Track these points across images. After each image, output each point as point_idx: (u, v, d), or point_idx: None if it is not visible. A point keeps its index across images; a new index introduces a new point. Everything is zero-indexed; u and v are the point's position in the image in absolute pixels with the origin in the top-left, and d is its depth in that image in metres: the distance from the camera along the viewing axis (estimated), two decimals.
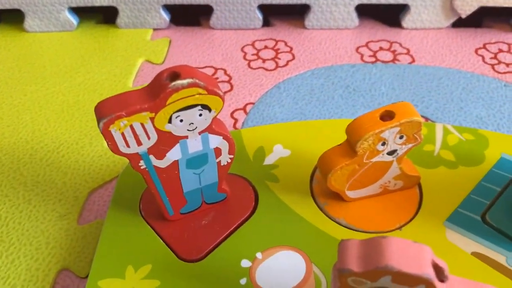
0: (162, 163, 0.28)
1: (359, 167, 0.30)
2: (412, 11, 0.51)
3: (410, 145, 0.30)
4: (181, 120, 0.26)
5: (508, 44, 0.49)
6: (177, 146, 0.27)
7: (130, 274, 0.29)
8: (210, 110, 0.26)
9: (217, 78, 0.47)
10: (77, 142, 0.41)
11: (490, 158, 0.35)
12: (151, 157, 0.27)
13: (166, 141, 0.27)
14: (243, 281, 0.29)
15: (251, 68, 0.48)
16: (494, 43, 0.50)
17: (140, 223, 0.32)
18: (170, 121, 0.26)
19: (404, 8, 0.52)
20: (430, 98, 0.44)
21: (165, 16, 0.53)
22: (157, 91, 0.25)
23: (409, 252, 0.20)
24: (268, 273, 0.29)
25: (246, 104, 0.44)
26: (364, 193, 0.32)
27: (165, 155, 0.27)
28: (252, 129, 0.38)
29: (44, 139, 0.42)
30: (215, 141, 0.28)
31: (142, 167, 0.27)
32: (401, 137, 0.29)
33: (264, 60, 0.49)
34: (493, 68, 0.47)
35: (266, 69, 0.48)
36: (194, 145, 0.28)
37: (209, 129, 0.27)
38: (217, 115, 0.27)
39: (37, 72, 0.49)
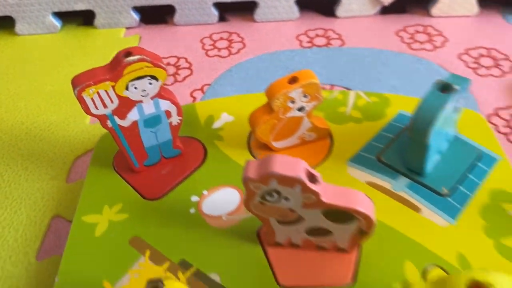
0: (124, 123, 0.37)
1: (278, 121, 0.39)
2: (344, 2, 0.60)
3: (314, 103, 0.39)
4: (136, 88, 0.35)
5: (424, 26, 0.59)
6: (135, 109, 0.36)
7: (106, 210, 0.38)
8: (157, 80, 0.35)
9: (179, 65, 0.56)
10: (63, 121, 0.50)
11: (390, 115, 0.44)
12: (116, 117, 0.36)
13: (126, 104, 0.36)
14: (192, 210, 0.38)
15: (208, 56, 0.57)
16: (413, 25, 0.59)
17: (114, 175, 0.41)
18: (127, 89, 0.35)
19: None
20: (354, 73, 0.53)
21: (136, 16, 0.62)
22: (116, 65, 0.34)
23: (288, 163, 0.30)
24: (211, 204, 0.38)
25: (203, 85, 0.53)
26: (287, 144, 0.41)
27: (126, 116, 0.36)
28: (204, 102, 0.48)
29: (36, 121, 0.51)
30: (165, 105, 0.37)
31: (109, 126, 0.36)
32: (305, 96, 0.38)
33: (219, 49, 0.58)
34: (410, 47, 0.56)
35: (221, 56, 0.57)
36: (148, 108, 0.37)
37: (159, 95, 0.36)
38: (163, 84, 0.36)
39: (28, 68, 0.58)
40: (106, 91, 0.34)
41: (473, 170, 0.39)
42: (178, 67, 0.56)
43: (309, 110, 0.39)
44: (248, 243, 0.36)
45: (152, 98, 0.36)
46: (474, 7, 0.59)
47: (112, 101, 0.35)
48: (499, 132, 0.46)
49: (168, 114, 0.38)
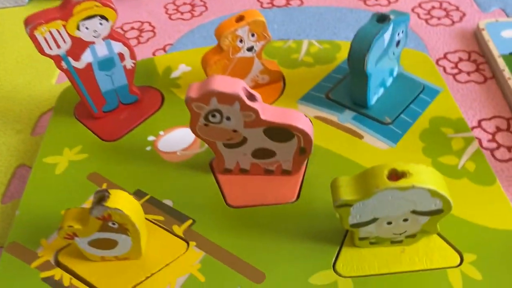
0: (79, 64, 0.38)
1: (228, 61, 0.41)
2: None
3: (262, 42, 0.41)
4: (87, 28, 0.37)
5: None
6: (88, 50, 0.38)
7: (66, 152, 0.40)
8: (107, 20, 0.37)
9: (143, 28, 0.58)
10: (30, 82, 0.52)
11: (340, 58, 0.46)
12: (70, 59, 0.38)
13: (79, 45, 0.37)
14: (148, 148, 0.40)
15: (171, 19, 0.59)
16: None
17: (74, 122, 0.43)
18: (78, 29, 0.36)
19: None
20: (311, 29, 0.55)
21: None
22: (66, 4, 0.35)
23: (227, 81, 0.31)
24: (167, 142, 0.40)
25: (166, 45, 0.55)
26: None
27: (80, 57, 0.38)
28: (162, 56, 0.49)
29: (4, 83, 0.52)
30: (117, 46, 0.39)
31: (64, 67, 0.38)
32: (253, 35, 0.40)
33: (182, 13, 0.60)
34: (365, 3, 0.58)
35: (184, 19, 0.59)
36: (101, 49, 0.38)
37: (111, 36, 0.38)
38: (114, 25, 0.38)
39: None
40: (58, 30, 0.36)
41: (416, 102, 0.41)
42: (141, 30, 0.57)
43: (258, 50, 0.41)
44: (201, 173, 0.37)
45: (104, 39, 0.38)
46: None
47: (64, 41, 0.37)
48: (446, 73, 0.48)
49: (121, 56, 0.40)
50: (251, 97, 0.32)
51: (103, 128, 0.42)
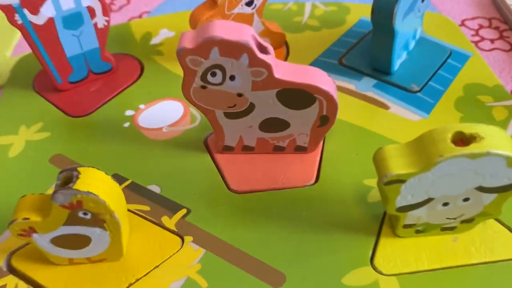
0: (38, 19, 0.31)
1: (223, 19, 0.34)
2: None
3: None
4: None
5: None
6: (49, 1, 0.30)
7: (23, 130, 0.32)
8: None
9: None
10: None
11: (350, 21, 0.40)
12: (26, 11, 0.30)
13: None
14: (126, 124, 0.32)
15: None
16: None
17: (33, 95, 0.35)
18: None
19: None
20: None
21: None
22: None
23: (231, 27, 0.24)
24: (149, 116, 0.33)
25: (142, 13, 0.47)
26: None
27: (39, 10, 0.30)
28: (140, 20, 0.42)
29: None
30: None
31: (18, 22, 0.30)
32: None
33: None
34: None
35: None
36: (66, 1, 0.31)
37: None
38: None
39: None
40: None
41: (444, 67, 0.35)
42: None
43: (259, 5, 0.34)
44: (194, 153, 0.30)
45: None
46: None
47: None
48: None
49: (91, 12, 0.32)
50: (263, 49, 0.25)
51: (69, 102, 0.34)
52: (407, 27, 0.33)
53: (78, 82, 0.35)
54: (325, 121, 0.27)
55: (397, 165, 0.21)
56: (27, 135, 0.32)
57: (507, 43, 0.42)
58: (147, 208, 0.27)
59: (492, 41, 0.42)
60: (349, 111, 0.32)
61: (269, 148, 0.29)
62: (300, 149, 0.29)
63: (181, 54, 0.24)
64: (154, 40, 0.39)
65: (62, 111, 0.33)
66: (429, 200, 0.22)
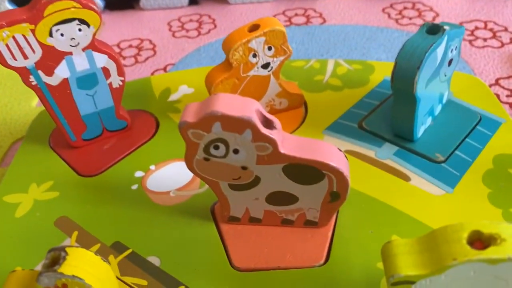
0: (52, 80, 0.31)
1: (238, 81, 0.33)
2: None
3: (281, 58, 0.33)
4: (62, 35, 0.29)
5: (413, 3, 0.53)
6: (64, 63, 0.30)
7: (33, 189, 0.32)
8: (88, 25, 0.29)
9: (142, 46, 0.51)
10: (6, 104, 0.45)
11: (374, 81, 0.38)
12: (40, 73, 0.30)
13: (52, 56, 0.30)
14: (134, 187, 0.31)
15: (175, 37, 0.52)
16: (400, 2, 0.54)
17: (47, 152, 0.35)
18: (51, 35, 0.29)
19: None
20: (335, 49, 0.48)
21: (100, 2, 0.57)
22: (35, 4, 0.28)
23: (235, 102, 0.23)
24: (158, 179, 0.32)
25: (167, 65, 0.48)
26: None
27: (53, 72, 0.30)
28: (161, 75, 0.42)
29: None
30: (101, 59, 0.31)
31: (33, 83, 0.30)
32: (269, 49, 0.32)
33: (187, 30, 0.53)
34: (397, 22, 0.51)
35: (189, 37, 0.52)
36: (81, 63, 0.31)
37: (92, 46, 0.31)
38: (96, 32, 0.30)
39: None
40: (24, 36, 0.28)
41: (473, 135, 0.33)
42: (140, 48, 0.50)
43: (276, 67, 0.33)
44: (199, 221, 0.29)
45: (84, 49, 0.30)
46: None
47: (34, 51, 0.29)
48: (501, 101, 0.40)
49: (106, 72, 0.32)
50: (268, 124, 0.24)
51: (81, 160, 0.34)
52: (431, 93, 0.32)
53: (92, 139, 0.35)
54: (336, 197, 0.26)
55: (406, 265, 0.19)
56: (36, 194, 0.32)
57: None
58: (144, 282, 0.26)
59: None
60: (366, 181, 0.30)
61: (277, 221, 0.28)
62: (310, 224, 0.28)
63: (183, 127, 0.23)
64: (173, 97, 0.39)
65: (73, 169, 0.33)
66: None
